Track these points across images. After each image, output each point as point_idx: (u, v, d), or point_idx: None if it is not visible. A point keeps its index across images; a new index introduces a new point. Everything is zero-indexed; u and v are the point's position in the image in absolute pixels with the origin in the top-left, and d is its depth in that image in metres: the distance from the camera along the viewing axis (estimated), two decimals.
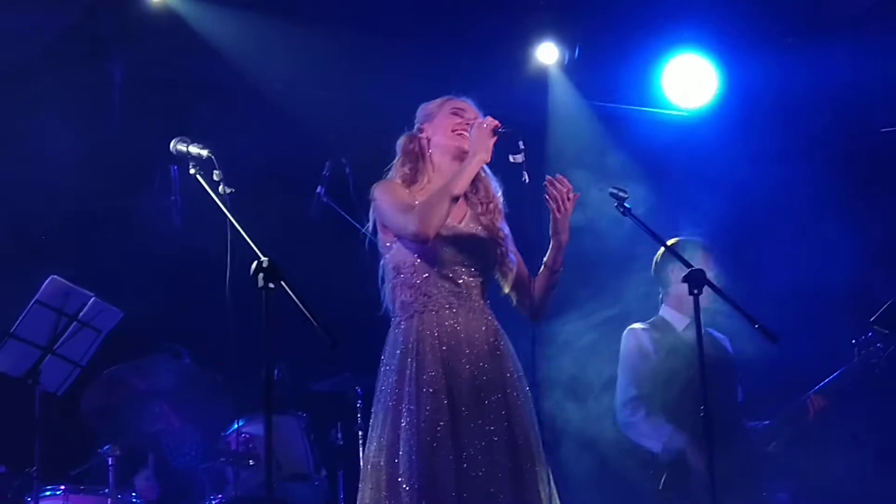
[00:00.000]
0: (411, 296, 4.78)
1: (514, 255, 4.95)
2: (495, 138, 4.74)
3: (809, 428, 6.37)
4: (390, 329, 4.85)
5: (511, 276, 4.92)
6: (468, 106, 5.00)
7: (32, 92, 7.45)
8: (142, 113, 7.61)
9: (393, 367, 4.73)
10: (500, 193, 5.00)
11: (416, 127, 5.04)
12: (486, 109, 4.92)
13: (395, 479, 4.56)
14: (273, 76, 7.93)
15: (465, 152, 4.81)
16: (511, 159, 4.72)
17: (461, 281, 4.78)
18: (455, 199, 4.71)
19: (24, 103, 7.43)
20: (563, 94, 8.47)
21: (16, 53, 7.25)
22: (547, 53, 8.40)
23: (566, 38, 8.40)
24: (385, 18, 7.76)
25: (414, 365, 4.66)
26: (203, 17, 7.69)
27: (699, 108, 8.65)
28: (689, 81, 8.55)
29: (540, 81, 8.45)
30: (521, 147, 4.69)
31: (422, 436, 4.55)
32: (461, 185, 4.72)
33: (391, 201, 4.81)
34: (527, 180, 4.69)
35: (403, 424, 4.60)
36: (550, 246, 4.87)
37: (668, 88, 8.58)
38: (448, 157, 4.91)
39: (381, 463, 4.62)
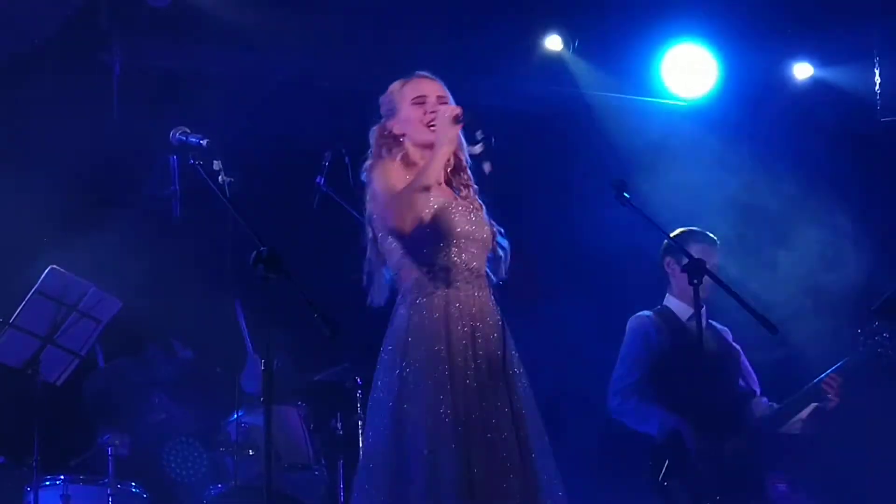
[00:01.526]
0: (429, 273, 4.72)
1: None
2: (459, 126, 4.69)
3: (833, 410, 6.32)
4: (400, 307, 4.77)
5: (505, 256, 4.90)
6: (428, 84, 4.90)
7: (32, 83, 7.43)
8: (141, 103, 7.60)
9: (419, 345, 4.65)
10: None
11: (382, 121, 4.94)
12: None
13: (403, 461, 4.54)
14: (272, 66, 7.92)
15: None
16: (469, 151, 4.73)
17: (473, 258, 4.76)
18: (425, 191, 4.64)
19: (24, 94, 7.42)
20: (570, 86, 8.46)
21: (15, 45, 7.24)
22: (553, 45, 8.39)
23: (567, 29, 8.39)
24: (387, 8, 7.76)
25: (444, 340, 4.62)
26: (203, 7, 7.68)
27: (699, 97, 8.63)
28: (688, 71, 8.54)
29: (543, 74, 8.43)
30: (479, 137, 4.64)
31: (440, 414, 4.52)
32: (430, 178, 4.65)
33: (382, 190, 4.74)
34: (488, 170, 4.64)
35: (423, 400, 4.56)
36: None
37: (668, 78, 8.56)
38: (425, 152, 4.82)
39: (390, 449, 4.58)
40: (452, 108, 4.73)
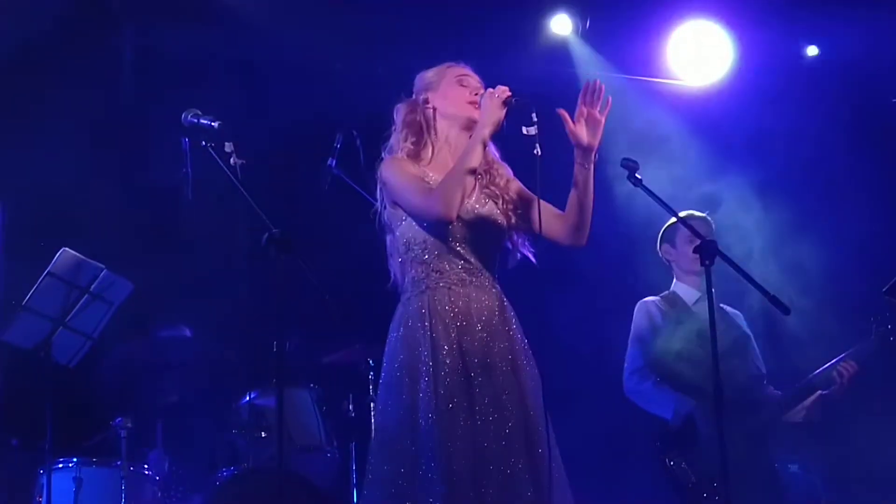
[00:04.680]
0: (423, 272, 4.72)
1: (525, 228, 4.86)
2: (505, 109, 4.63)
3: (844, 396, 6.30)
4: (399, 304, 4.79)
5: (520, 244, 4.87)
6: (470, 72, 4.89)
7: (43, 67, 7.44)
8: (152, 86, 7.61)
9: (405, 343, 4.68)
10: (498, 156, 4.93)
11: (419, 97, 4.91)
12: (502, 81, 4.82)
13: (413, 452, 4.53)
14: (284, 49, 7.91)
15: (476, 122, 4.72)
16: (524, 132, 4.54)
17: (472, 257, 4.73)
18: (472, 174, 4.64)
19: (35, 78, 7.43)
20: (586, 63, 8.41)
21: (25, 29, 7.25)
22: (561, 25, 8.35)
23: (578, 8, 8.35)
24: None
25: (428, 340, 4.62)
26: None
27: (713, 80, 8.58)
28: (702, 53, 8.49)
29: (554, 54, 8.40)
30: (535, 119, 4.52)
31: (440, 410, 4.51)
32: (474, 160, 4.61)
33: (407, 183, 4.70)
34: (539, 153, 4.53)
35: (421, 398, 4.57)
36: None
37: (681, 61, 8.52)
38: (457, 128, 4.82)
39: (398, 436, 4.58)
40: (503, 89, 4.66)
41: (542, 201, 4.73)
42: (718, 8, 8.38)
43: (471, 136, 4.70)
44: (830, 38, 8.49)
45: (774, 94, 8.32)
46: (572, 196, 4.74)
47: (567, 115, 4.61)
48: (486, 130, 4.64)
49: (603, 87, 4.62)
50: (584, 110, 4.63)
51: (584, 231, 4.78)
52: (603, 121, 4.62)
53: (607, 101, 4.62)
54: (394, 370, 4.69)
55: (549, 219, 4.78)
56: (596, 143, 4.64)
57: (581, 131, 4.63)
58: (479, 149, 4.64)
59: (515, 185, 4.91)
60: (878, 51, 8.16)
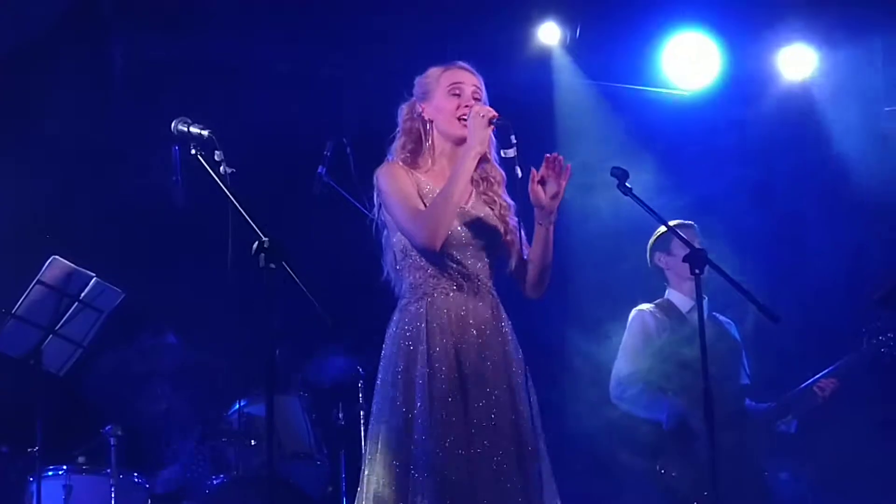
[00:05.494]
0: (420, 277, 4.72)
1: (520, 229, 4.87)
2: (491, 128, 4.65)
3: (823, 409, 6.35)
4: (396, 310, 4.79)
5: (516, 251, 4.87)
6: (466, 76, 4.86)
7: (33, 74, 7.44)
8: (142, 94, 7.60)
9: (401, 349, 4.67)
10: (497, 160, 4.92)
11: (416, 104, 4.90)
12: (489, 90, 4.84)
13: (406, 459, 4.53)
14: (274, 55, 7.92)
15: (464, 139, 4.72)
16: (502, 154, 4.63)
17: (469, 263, 4.73)
18: (458, 199, 4.64)
19: (25, 85, 7.42)
20: (566, 75, 8.42)
21: (16, 35, 7.24)
22: (548, 33, 8.34)
23: (567, 17, 8.36)
24: None
25: (425, 347, 4.61)
26: None
27: (701, 88, 8.59)
28: (690, 61, 8.50)
29: (542, 62, 8.40)
30: (513, 141, 4.58)
31: (434, 417, 4.51)
32: (461, 187, 4.65)
33: (397, 200, 4.70)
34: (520, 174, 4.59)
35: (416, 404, 4.56)
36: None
37: (670, 68, 8.53)
38: (450, 143, 4.82)
39: (391, 443, 4.58)
40: (488, 110, 4.68)
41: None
42: (708, 17, 8.39)
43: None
44: (821, 42, 8.50)
45: (762, 103, 8.34)
46: (532, 253, 4.79)
47: (534, 175, 4.65)
48: (472, 153, 4.65)
49: (562, 158, 4.66)
50: (547, 174, 4.66)
51: (542, 286, 4.85)
52: (564, 185, 4.67)
53: (566, 168, 4.65)
54: (389, 375, 4.68)
55: (520, 262, 4.84)
56: (556, 205, 4.69)
57: (541, 192, 4.67)
58: (467, 170, 4.65)
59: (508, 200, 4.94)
60: (869, 60, 8.19)
